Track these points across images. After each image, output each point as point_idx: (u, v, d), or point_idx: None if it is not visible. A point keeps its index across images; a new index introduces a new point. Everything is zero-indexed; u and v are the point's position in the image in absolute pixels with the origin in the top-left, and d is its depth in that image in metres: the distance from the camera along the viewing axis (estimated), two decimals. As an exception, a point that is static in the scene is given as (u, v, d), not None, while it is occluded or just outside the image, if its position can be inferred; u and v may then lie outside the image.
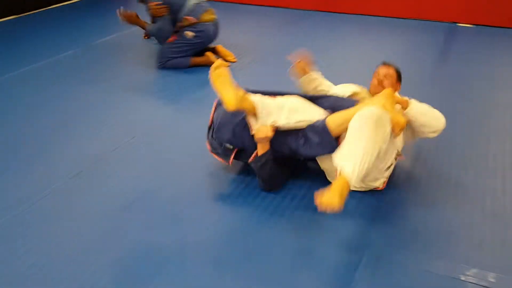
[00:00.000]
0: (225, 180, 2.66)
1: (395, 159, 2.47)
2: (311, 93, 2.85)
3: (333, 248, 2.16)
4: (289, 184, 2.58)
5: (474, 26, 5.43)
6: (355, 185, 2.16)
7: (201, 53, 4.29)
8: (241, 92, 2.29)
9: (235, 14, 5.99)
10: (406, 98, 2.53)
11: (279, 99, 2.45)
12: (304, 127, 2.37)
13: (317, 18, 5.81)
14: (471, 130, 3.16)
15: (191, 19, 4.10)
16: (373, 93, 2.69)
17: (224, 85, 2.27)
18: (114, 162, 2.85)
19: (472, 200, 2.46)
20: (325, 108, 2.48)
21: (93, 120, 3.37)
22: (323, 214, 2.15)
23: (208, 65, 4.12)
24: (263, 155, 2.41)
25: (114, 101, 3.68)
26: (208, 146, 2.66)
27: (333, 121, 2.34)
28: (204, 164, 2.77)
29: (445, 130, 2.59)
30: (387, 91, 2.38)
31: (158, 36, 4.23)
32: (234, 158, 2.54)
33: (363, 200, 2.45)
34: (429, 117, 2.51)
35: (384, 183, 2.50)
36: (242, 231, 2.27)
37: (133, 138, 3.10)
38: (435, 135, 2.58)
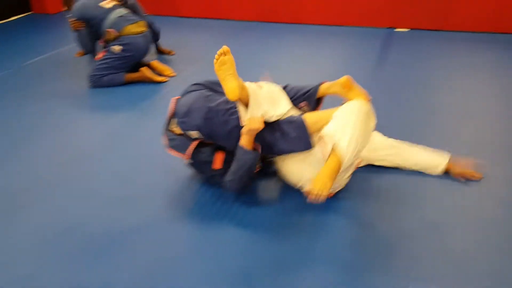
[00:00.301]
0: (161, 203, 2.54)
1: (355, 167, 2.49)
2: None
3: (268, 268, 2.09)
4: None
5: (410, 30, 5.56)
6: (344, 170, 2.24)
7: (136, 68, 4.15)
8: (241, 82, 2.22)
9: (177, 28, 5.87)
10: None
11: (265, 87, 2.39)
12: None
13: (258, 29, 5.79)
14: (407, 136, 3.19)
15: (113, 31, 3.98)
16: None
17: (227, 74, 2.14)
18: (41, 191, 2.66)
19: (411, 209, 2.45)
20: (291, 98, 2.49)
21: (23, 142, 3.16)
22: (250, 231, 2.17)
23: (144, 81, 4.04)
24: (252, 153, 2.28)
25: (46, 123, 3.48)
26: (165, 141, 2.52)
27: (310, 117, 2.31)
28: (136, 193, 2.64)
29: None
30: (345, 78, 2.39)
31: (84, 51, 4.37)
32: (192, 157, 2.42)
33: (303, 214, 2.41)
34: None
35: (332, 193, 2.46)
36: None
37: (60, 165, 2.92)
38: None
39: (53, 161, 2.98)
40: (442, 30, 5.49)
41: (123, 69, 4.07)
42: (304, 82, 3.96)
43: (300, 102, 2.49)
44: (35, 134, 3.35)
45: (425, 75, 4.26)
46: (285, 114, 2.36)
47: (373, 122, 2.29)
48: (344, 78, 2.36)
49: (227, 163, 2.38)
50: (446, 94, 3.85)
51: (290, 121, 2.31)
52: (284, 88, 2.52)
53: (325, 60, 4.82)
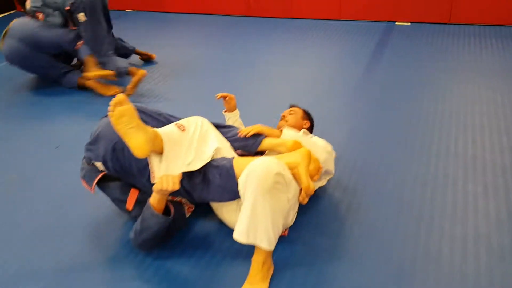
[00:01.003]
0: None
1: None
2: None
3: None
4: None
5: (411, 24, 5.13)
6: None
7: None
8: (150, 131, 1.78)
9: (162, 23, 5.52)
10: (277, 131, 2.30)
11: (192, 127, 1.98)
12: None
13: (245, 24, 5.40)
14: (392, 137, 2.80)
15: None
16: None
17: (128, 128, 1.73)
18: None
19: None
20: (228, 139, 2.16)
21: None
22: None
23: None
24: (161, 218, 1.86)
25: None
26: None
27: (239, 165, 1.88)
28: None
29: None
30: (306, 151, 1.99)
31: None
32: (100, 188, 2.04)
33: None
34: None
35: (287, 229, 2.09)
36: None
37: None
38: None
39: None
40: (445, 24, 5.05)
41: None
42: (292, 81, 3.62)
43: (237, 149, 2.18)
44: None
45: (425, 72, 3.85)
46: (213, 155, 1.98)
47: (283, 193, 1.84)
48: (291, 142, 2.11)
49: (140, 204, 1.98)
50: (445, 94, 3.43)
51: (216, 165, 1.92)
52: (222, 127, 2.20)
53: (317, 55, 4.43)
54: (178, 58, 4.45)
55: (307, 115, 2.57)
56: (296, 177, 1.94)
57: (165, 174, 1.78)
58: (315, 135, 2.88)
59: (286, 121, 2.48)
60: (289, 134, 2.20)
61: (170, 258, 1.99)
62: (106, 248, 2.07)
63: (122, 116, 1.71)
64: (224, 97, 2.52)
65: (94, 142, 1.98)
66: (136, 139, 1.72)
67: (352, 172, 2.54)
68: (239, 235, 1.75)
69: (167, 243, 2.04)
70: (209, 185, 1.91)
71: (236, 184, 1.84)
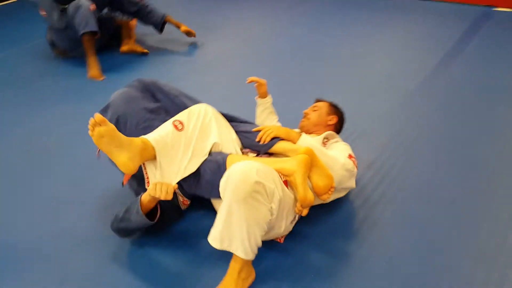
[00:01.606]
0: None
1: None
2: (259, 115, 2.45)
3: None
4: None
5: (513, 11, 4.46)
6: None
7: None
8: (137, 145, 1.74)
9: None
10: (295, 133, 2.03)
11: (192, 124, 1.88)
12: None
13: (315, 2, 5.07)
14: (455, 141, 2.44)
15: None
16: (304, 132, 2.28)
17: (111, 148, 1.71)
18: None
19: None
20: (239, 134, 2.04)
21: None
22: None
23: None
24: (144, 219, 1.80)
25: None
26: None
27: (233, 162, 1.77)
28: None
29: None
30: (304, 158, 1.78)
31: None
32: None
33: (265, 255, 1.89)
34: (319, 153, 1.90)
35: (283, 237, 1.92)
36: None
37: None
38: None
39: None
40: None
41: None
42: (351, 65, 3.42)
43: (246, 147, 2.04)
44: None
45: None
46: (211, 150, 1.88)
47: (263, 204, 1.62)
48: (304, 149, 1.83)
49: (136, 179, 1.96)
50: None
51: (210, 160, 1.84)
52: (236, 121, 2.05)
53: (392, 40, 4.04)
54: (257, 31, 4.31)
55: (334, 110, 2.32)
56: (292, 185, 1.77)
57: (160, 182, 1.71)
58: (352, 132, 2.61)
59: (308, 119, 2.28)
60: (306, 142, 1.96)
61: (157, 246, 1.93)
62: (106, 222, 2.07)
63: (101, 137, 1.67)
64: (255, 82, 2.36)
65: (105, 109, 2.01)
66: (120, 157, 1.70)
67: (381, 182, 2.27)
68: (212, 240, 1.64)
69: (160, 232, 1.98)
70: (199, 180, 1.84)
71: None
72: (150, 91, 2.06)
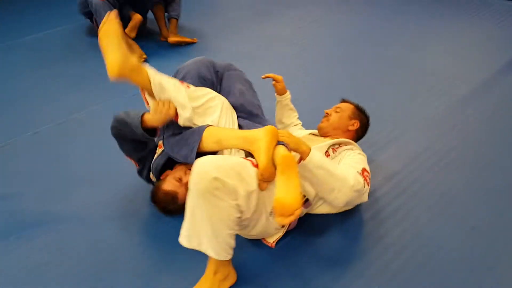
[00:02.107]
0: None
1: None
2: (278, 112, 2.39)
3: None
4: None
5: None
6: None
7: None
8: (133, 60, 1.71)
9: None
10: (305, 146, 1.76)
11: (196, 89, 1.84)
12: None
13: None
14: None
15: None
16: (321, 133, 2.18)
17: (110, 45, 1.68)
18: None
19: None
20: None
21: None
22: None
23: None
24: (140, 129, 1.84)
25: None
26: None
27: (212, 132, 1.74)
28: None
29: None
30: (272, 128, 1.68)
31: None
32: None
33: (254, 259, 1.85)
34: (327, 174, 1.76)
35: (274, 241, 1.86)
36: None
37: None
38: (337, 201, 1.82)
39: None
40: None
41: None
42: (415, 65, 3.25)
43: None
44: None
45: None
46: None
47: (224, 200, 1.52)
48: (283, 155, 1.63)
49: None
50: None
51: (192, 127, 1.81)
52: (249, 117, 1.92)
53: (459, 38, 3.71)
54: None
55: (358, 114, 2.18)
56: (254, 154, 1.66)
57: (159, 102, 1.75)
58: (383, 136, 2.40)
59: (328, 120, 2.16)
60: (315, 161, 1.75)
61: (149, 236, 1.97)
62: (121, 201, 2.14)
63: (107, 34, 1.68)
64: (271, 78, 2.27)
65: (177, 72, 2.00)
66: (112, 57, 1.66)
67: (397, 196, 2.11)
68: (182, 239, 1.61)
69: (156, 225, 2.01)
70: (173, 137, 1.82)
71: (194, 146, 1.73)
72: (216, 69, 2.02)
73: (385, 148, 2.43)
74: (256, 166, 1.63)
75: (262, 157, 1.60)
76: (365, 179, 1.86)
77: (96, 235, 1.95)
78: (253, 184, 1.58)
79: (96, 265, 1.81)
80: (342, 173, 1.78)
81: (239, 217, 1.59)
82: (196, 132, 1.75)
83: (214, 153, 1.77)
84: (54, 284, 1.73)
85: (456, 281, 1.72)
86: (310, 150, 1.72)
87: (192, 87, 1.81)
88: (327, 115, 2.19)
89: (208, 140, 1.73)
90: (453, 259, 1.80)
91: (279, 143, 1.68)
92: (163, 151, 1.99)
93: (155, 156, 2.04)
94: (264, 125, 1.82)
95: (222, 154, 1.79)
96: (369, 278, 1.73)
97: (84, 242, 1.91)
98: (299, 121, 2.35)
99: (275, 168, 1.61)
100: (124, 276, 1.76)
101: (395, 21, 4.02)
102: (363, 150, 2.29)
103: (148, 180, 2.10)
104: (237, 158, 1.65)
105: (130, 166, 2.14)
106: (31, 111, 2.85)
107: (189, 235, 1.58)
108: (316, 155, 1.73)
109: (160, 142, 2.02)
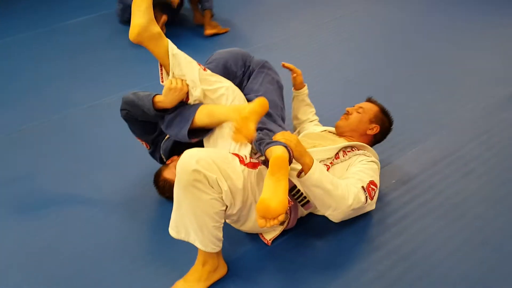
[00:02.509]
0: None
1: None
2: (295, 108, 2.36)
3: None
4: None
5: None
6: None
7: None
8: (155, 28, 1.74)
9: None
10: (309, 159, 1.69)
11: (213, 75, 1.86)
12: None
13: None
14: None
15: None
16: (337, 132, 2.12)
17: (137, 10, 1.71)
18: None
19: None
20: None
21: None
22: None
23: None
24: (153, 111, 1.86)
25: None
26: None
27: (206, 106, 1.79)
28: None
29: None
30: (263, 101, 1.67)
31: None
32: None
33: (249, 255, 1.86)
34: (324, 193, 1.70)
35: (271, 239, 1.85)
36: None
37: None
38: (332, 218, 1.79)
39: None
40: None
41: None
42: (460, 64, 3.13)
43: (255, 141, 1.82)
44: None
45: None
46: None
47: (206, 193, 1.53)
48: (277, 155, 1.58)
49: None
50: None
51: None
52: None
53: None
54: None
55: (380, 118, 2.09)
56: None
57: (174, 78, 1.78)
58: (406, 137, 2.40)
59: (347, 119, 2.08)
60: (314, 178, 1.67)
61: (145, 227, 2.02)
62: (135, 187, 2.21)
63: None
64: (290, 70, 2.23)
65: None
66: (135, 21, 1.71)
67: (407, 203, 2.03)
68: (170, 230, 1.65)
69: (165, 214, 2.05)
70: (172, 113, 1.85)
71: (186, 125, 1.76)
72: (248, 64, 2.04)
73: (406, 150, 2.34)
74: (245, 163, 1.63)
75: (245, 110, 1.64)
76: (369, 194, 1.80)
77: (104, 219, 2.03)
78: (239, 181, 1.58)
79: (97, 248, 1.90)
80: (342, 192, 1.72)
81: (224, 210, 1.61)
82: (192, 107, 1.78)
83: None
84: (56, 264, 1.84)
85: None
86: (312, 164, 1.67)
87: (208, 71, 1.83)
88: (347, 113, 2.10)
89: (201, 113, 1.77)
90: (453, 275, 1.71)
91: (283, 144, 1.63)
92: None
93: (165, 138, 2.08)
94: (280, 129, 1.82)
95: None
96: (362, 285, 1.70)
97: (91, 225, 2.01)
98: (315, 117, 2.30)
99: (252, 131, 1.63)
100: (121, 260, 1.84)
101: (440, 15, 3.80)
102: (383, 150, 2.27)
103: (161, 161, 2.16)
104: (225, 153, 1.65)
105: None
106: (64, 93, 2.99)
107: (177, 226, 1.62)
108: (316, 173, 1.67)
109: None
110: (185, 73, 1.77)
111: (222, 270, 1.73)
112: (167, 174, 1.96)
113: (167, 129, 1.86)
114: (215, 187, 1.53)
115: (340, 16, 3.87)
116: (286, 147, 1.62)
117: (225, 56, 1.95)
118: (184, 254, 1.79)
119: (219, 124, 1.79)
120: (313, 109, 2.30)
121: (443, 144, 2.37)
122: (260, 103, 1.65)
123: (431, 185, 2.11)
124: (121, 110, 2.03)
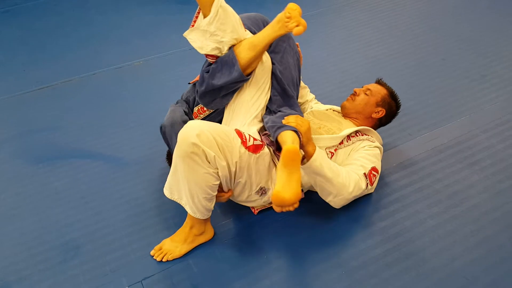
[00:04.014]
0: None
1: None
2: None
3: None
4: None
5: None
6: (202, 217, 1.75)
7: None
8: None
9: None
10: (312, 147, 1.73)
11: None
12: None
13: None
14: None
15: None
16: (343, 113, 2.10)
17: None
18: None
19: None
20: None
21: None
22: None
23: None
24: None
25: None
26: None
27: (241, 44, 1.73)
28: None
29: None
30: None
31: None
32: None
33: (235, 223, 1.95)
34: (325, 181, 1.75)
35: (258, 209, 1.91)
36: None
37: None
38: (334, 204, 1.85)
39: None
40: None
41: None
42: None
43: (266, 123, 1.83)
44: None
45: None
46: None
47: (202, 167, 1.60)
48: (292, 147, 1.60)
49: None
50: None
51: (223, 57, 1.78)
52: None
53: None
54: None
55: (388, 102, 2.05)
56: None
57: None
58: (421, 121, 2.38)
59: (354, 100, 2.05)
60: (316, 164, 1.71)
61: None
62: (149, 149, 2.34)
63: None
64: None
65: None
66: None
67: (402, 188, 2.03)
68: (165, 189, 1.76)
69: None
70: (213, 70, 1.79)
71: (235, 61, 1.71)
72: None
73: (415, 135, 2.31)
74: (246, 146, 1.68)
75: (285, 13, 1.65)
76: (369, 180, 1.85)
77: (113, 174, 2.18)
78: (235, 160, 1.65)
79: (101, 200, 2.05)
80: (342, 180, 1.76)
81: (217, 184, 1.68)
82: (229, 52, 1.73)
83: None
84: (62, 210, 2.01)
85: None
86: (314, 151, 1.72)
87: (249, 32, 1.80)
88: (355, 94, 2.07)
89: (242, 50, 1.72)
90: (433, 261, 1.72)
91: (293, 129, 1.68)
92: (208, 114, 2.02)
93: (201, 115, 2.04)
94: (293, 111, 1.83)
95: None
96: (338, 266, 1.75)
97: (100, 178, 2.16)
98: (312, 95, 2.26)
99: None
100: (119, 214, 1.98)
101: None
102: (391, 133, 2.31)
103: None
104: (228, 130, 1.68)
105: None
106: (96, 53, 3.16)
107: (171, 188, 1.73)
108: (317, 161, 1.71)
109: (196, 110, 2.04)
110: (233, 25, 1.71)
111: (208, 234, 1.82)
112: None
113: (213, 80, 1.76)
114: (211, 162, 1.60)
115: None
116: (296, 132, 1.67)
117: (246, 23, 1.87)
118: (178, 216, 1.91)
119: (265, 50, 1.76)
120: (308, 89, 2.26)
121: (454, 132, 2.32)
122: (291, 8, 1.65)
123: (432, 172, 2.09)
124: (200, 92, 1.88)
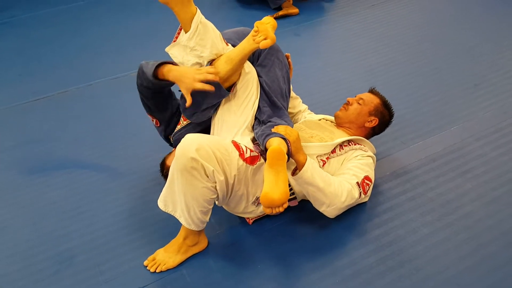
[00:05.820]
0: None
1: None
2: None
3: None
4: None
5: None
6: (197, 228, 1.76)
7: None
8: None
9: None
10: (303, 157, 1.75)
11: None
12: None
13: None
14: None
15: None
16: (336, 122, 2.12)
17: None
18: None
19: None
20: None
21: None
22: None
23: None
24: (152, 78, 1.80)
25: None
26: None
27: (220, 60, 1.76)
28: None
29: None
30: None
31: None
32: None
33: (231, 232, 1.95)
34: (317, 191, 1.76)
35: (253, 219, 1.92)
36: None
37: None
38: (327, 214, 1.85)
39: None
40: None
41: None
42: None
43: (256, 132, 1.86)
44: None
45: None
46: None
47: (200, 181, 1.61)
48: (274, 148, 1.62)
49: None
50: None
51: None
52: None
53: None
54: None
55: (381, 111, 2.06)
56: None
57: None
58: (419, 127, 2.39)
59: (347, 110, 2.07)
60: (307, 175, 1.73)
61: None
62: (144, 158, 2.34)
63: None
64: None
65: None
66: None
67: (395, 197, 2.04)
68: (159, 201, 1.76)
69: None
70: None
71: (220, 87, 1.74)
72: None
73: (408, 143, 2.33)
74: (244, 158, 1.69)
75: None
76: (363, 189, 1.85)
77: (107, 185, 2.19)
78: (234, 174, 1.66)
79: (95, 210, 2.05)
80: (334, 189, 1.77)
81: (214, 198, 1.69)
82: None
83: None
84: (57, 220, 2.01)
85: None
86: (305, 161, 1.73)
87: (230, 46, 1.83)
88: (348, 103, 2.09)
89: (220, 65, 1.74)
90: (427, 269, 1.73)
91: (281, 136, 1.69)
92: (187, 124, 2.03)
93: (179, 126, 2.07)
94: (284, 124, 1.83)
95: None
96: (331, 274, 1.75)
97: (95, 189, 2.16)
98: (304, 106, 2.27)
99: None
100: (113, 225, 1.98)
101: (481, 9, 3.65)
102: (384, 142, 2.32)
103: (167, 140, 2.24)
104: (226, 144, 1.69)
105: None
106: (92, 63, 3.17)
107: (166, 200, 1.73)
108: (308, 171, 1.73)
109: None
110: (213, 41, 1.74)
111: (202, 245, 1.83)
112: (169, 162, 2.00)
113: (196, 97, 1.76)
114: (210, 177, 1.61)
115: (372, 5, 3.80)
116: (284, 139, 1.68)
117: (232, 37, 1.93)
118: (172, 226, 1.90)
119: (242, 63, 1.78)
120: (300, 99, 2.26)
121: (448, 140, 2.33)
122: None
123: (425, 180, 2.10)
124: (136, 81, 1.94)
